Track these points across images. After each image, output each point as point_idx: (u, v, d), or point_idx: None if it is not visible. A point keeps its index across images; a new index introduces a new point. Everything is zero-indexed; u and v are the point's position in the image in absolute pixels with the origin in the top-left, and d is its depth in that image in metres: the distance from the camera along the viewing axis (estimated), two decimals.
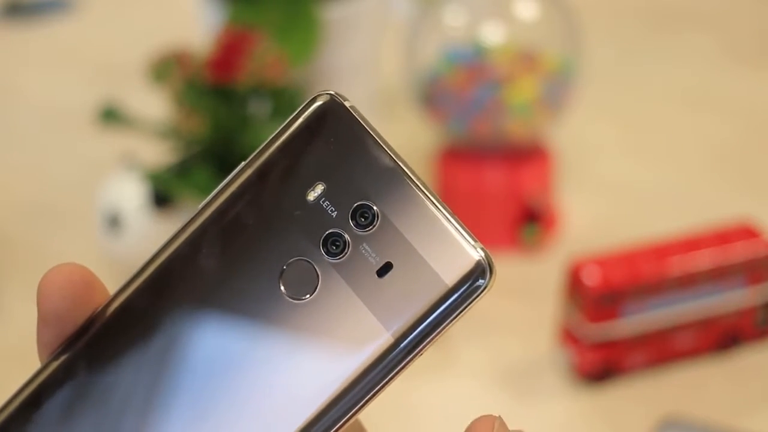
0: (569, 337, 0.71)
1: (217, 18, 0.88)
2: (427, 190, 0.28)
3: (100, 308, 0.29)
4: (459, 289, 0.28)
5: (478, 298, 0.28)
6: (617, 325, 0.70)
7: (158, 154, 0.82)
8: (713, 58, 1.09)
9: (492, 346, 0.75)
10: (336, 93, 0.29)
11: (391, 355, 0.28)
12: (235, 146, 0.76)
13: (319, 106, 0.29)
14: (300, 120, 0.29)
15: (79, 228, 0.86)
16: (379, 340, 0.28)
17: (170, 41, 0.81)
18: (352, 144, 0.29)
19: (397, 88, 0.92)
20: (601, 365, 0.71)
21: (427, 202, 0.28)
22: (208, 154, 0.77)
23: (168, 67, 0.77)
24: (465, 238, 0.28)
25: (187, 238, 0.29)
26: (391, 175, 0.29)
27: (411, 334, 0.28)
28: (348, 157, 0.29)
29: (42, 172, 0.95)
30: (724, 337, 0.73)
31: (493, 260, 0.28)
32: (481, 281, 0.28)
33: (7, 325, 0.77)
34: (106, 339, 0.29)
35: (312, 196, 0.28)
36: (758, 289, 0.72)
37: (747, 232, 0.72)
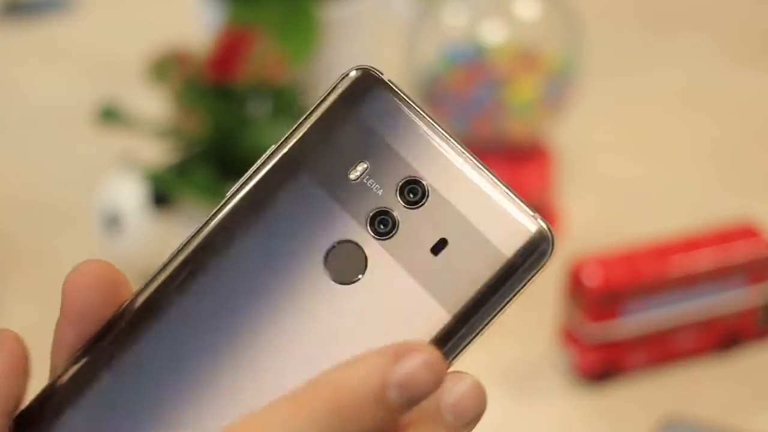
0: (570, 336, 0.71)
1: (217, 17, 0.88)
2: (477, 161, 0.27)
3: (126, 303, 0.27)
4: (521, 262, 0.26)
5: (540, 270, 0.26)
6: (618, 324, 0.69)
7: (158, 154, 0.82)
8: (713, 58, 1.09)
9: (492, 346, 0.75)
10: (371, 67, 0.28)
11: (453, 337, 0.26)
12: (235, 146, 0.76)
13: (355, 81, 0.27)
14: (335, 96, 0.27)
15: (79, 228, 0.86)
16: (439, 320, 0.26)
17: (170, 41, 0.81)
18: (392, 118, 0.27)
19: None
20: (601, 365, 0.71)
21: (479, 173, 0.27)
22: (208, 154, 0.77)
23: (168, 67, 0.77)
24: (522, 208, 0.26)
25: (217, 226, 0.27)
26: (437, 147, 0.27)
27: (473, 313, 0.26)
28: (389, 131, 0.27)
29: (41, 171, 0.95)
30: (725, 337, 0.73)
31: (552, 230, 0.26)
32: (543, 251, 0.26)
33: (6, 325, 0.77)
34: (136, 336, 0.27)
35: (354, 174, 0.27)
36: (759, 289, 0.72)
37: (748, 232, 0.72)
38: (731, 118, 1.00)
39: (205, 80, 0.76)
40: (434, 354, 0.24)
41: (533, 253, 0.26)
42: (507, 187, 0.27)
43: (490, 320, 0.26)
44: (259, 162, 0.27)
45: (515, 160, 0.83)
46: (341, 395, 0.24)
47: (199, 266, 0.27)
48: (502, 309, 0.26)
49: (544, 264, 0.26)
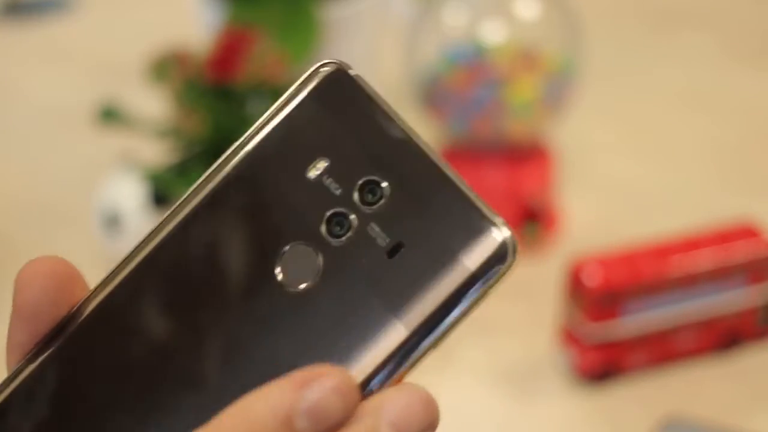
0: (570, 337, 0.71)
1: (217, 17, 0.88)
2: (442, 163, 0.25)
3: (80, 303, 0.26)
4: (481, 271, 0.25)
5: (500, 281, 0.25)
6: (618, 325, 0.69)
7: (158, 154, 0.82)
8: (713, 58, 1.09)
9: (492, 347, 0.75)
10: (340, 61, 0.26)
11: (404, 348, 0.25)
12: None
13: (322, 75, 0.26)
14: (300, 91, 0.26)
15: (79, 227, 0.86)
16: (391, 331, 0.25)
17: (170, 41, 0.81)
18: (357, 115, 0.26)
19: (397, 88, 0.92)
20: (601, 365, 0.71)
21: (443, 176, 0.25)
22: (208, 154, 0.77)
23: (168, 67, 0.77)
24: (485, 215, 0.25)
25: (175, 224, 0.26)
26: (401, 148, 0.25)
27: (426, 324, 0.25)
28: (353, 129, 0.26)
29: (41, 171, 0.95)
30: (725, 337, 0.73)
31: (516, 238, 0.25)
32: (504, 261, 0.25)
33: (6, 325, 0.77)
34: (90, 337, 0.26)
35: (313, 173, 0.26)
36: (759, 289, 0.72)
37: (748, 232, 0.72)
38: (731, 118, 1.00)
39: (205, 80, 0.76)
40: (344, 379, 0.23)
41: (496, 264, 0.25)
42: (473, 193, 0.25)
43: (445, 333, 0.25)
44: (222, 157, 0.26)
45: (515, 160, 0.83)
46: (251, 425, 0.23)
47: (153, 267, 0.26)
48: (457, 322, 0.25)
49: (505, 274, 0.25)
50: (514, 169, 0.83)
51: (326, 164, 0.26)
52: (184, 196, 0.26)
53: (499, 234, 0.25)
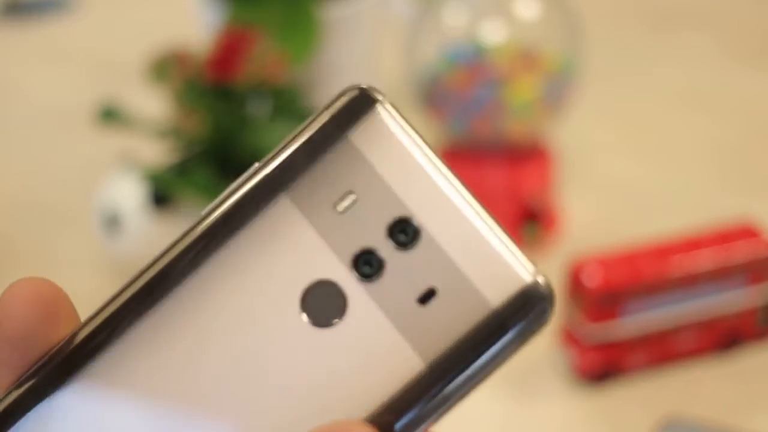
0: (569, 337, 0.71)
1: (217, 17, 0.88)
2: (479, 205, 0.24)
3: (81, 325, 0.25)
4: (514, 323, 0.23)
5: (534, 331, 0.24)
6: (618, 325, 0.69)
7: (158, 154, 0.82)
8: (714, 58, 1.09)
9: None
10: (371, 87, 0.25)
11: (431, 397, 0.23)
12: (235, 146, 0.76)
13: (351, 101, 0.25)
14: (328, 115, 0.25)
15: (79, 228, 0.86)
16: (417, 377, 0.23)
17: (170, 41, 0.81)
18: (388, 148, 0.24)
19: (396, 88, 0.92)
20: (601, 365, 0.71)
21: (478, 219, 0.24)
22: (208, 154, 0.77)
23: (168, 67, 0.77)
24: (522, 263, 0.24)
25: (185, 250, 0.24)
26: (435, 186, 0.24)
27: (456, 373, 0.23)
28: (383, 162, 0.24)
29: (41, 171, 0.95)
30: (725, 337, 0.73)
31: (552, 288, 0.24)
32: (541, 308, 0.23)
33: None
34: (89, 366, 0.24)
35: (342, 206, 0.24)
36: (759, 290, 0.72)
37: (748, 232, 0.72)
38: (731, 118, 1.00)
39: (205, 80, 0.76)
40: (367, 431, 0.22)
41: (531, 315, 0.23)
42: (509, 238, 0.24)
43: (476, 382, 0.24)
44: (240, 180, 0.25)
45: (515, 160, 0.83)
46: None
47: (162, 292, 0.24)
48: (490, 371, 0.24)
49: (542, 323, 0.24)
50: (514, 169, 0.83)
51: (355, 198, 0.24)
52: (198, 219, 0.25)
53: (529, 276, 0.24)
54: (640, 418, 0.69)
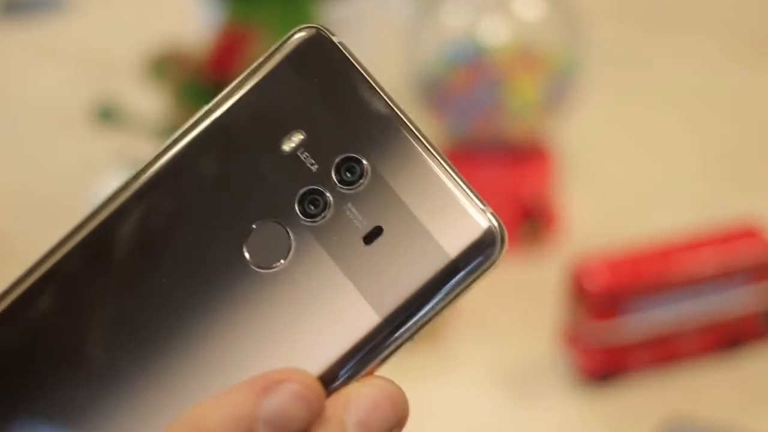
0: (571, 338, 0.71)
1: (215, 16, 0.88)
2: (429, 143, 0.24)
3: (22, 275, 0.24)
4: (463, 262, 0.23)
5: (484, 275, 0.23)
6: (620, 326, 0.69)
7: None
8: (714, 59, 1.09)
9: (492, 348, 0.74)
10: (323, 26, 0.24)
11: (377, 339, 0.23)
12: None
13: (302, 40, 0.24)
14: (278, 55, 0.24)
15: None
16: (363, 319, 0.23)
17: (168, 40, 0.80)
18: (339, 86, 0.24)
19: (397, 88, 0.91)
20: (603, 367, 0.70)
21: (429, 157, 0.24)
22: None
23: (166, 66, 0.76)
24: (473, 202, 0.23)
25: (133, 192, 0.24)
26: (385, 124, 0.23)
27: (401, 313, 0.23)
28: (334, 101, 0.24)
29: (38, 170, 0.95)
30: (728, 338, 0.72)
31: (504, 228, 0.23)
32: (489, 251, 0.23)
33: None
34: (30, 313, 0.24)
35: (288, 146, 0.24)
36: (762, 290, 0.72)
37: (750, 233, 0.72)
38: (733, 118, 1.00)
39: (204, 80, 0.76)
40: (307, 382, 0.22)
41: (480, 255, 0.23)
42: (460, 178, 0.24)
43: (423, 325, 0.23)
44: (188, 122, 0.24)
45: (515, 160, 0.83)
46: None
47: (107, 234, 0.24)
48: (437, 313, 0.23)
49: (491, 267, 0.23)
50: (515, 169, 0.82)
51: (302, 137, 0.24)
52: (146, 162, 0.24)
53: (485, 222, 0.23)
54: (643, 420, 0.68)
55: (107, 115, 0.77)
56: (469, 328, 0.75)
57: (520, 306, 0.77)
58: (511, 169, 0.82)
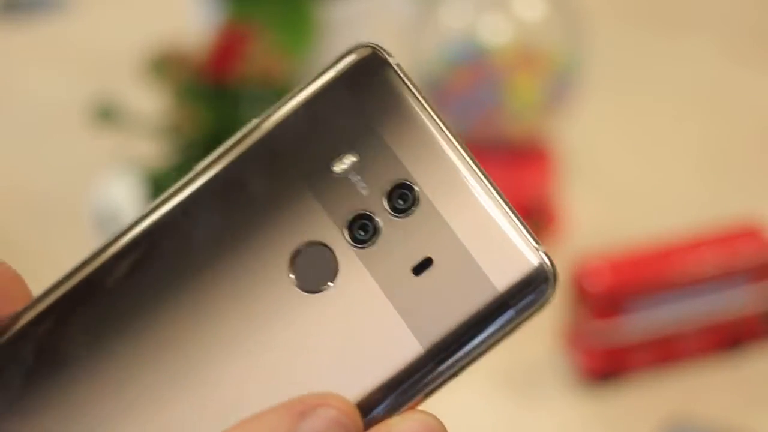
0: (572, 339, 0.71)
1: (215, 16, 0.88)
2: (483, 175, 0.23)
3: (44, 293, 0.24)
4: (512, 298, 0.22)
5: (535, 313, 0.22)
6: (621, 326, 0.69)
7: (155, 153, 0.81)
8: (715, 59, 1.09)
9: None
10: (378, 46, 0.24)
11: (419, 370, 0.22)
12: None
13: (357, 61, 0.23)
14: (332, 73, 0.23)
15: (76, 227, 0.85)
16: (406, 349, 0.22)
17: (168, 39, 0.80)
18: (393, 109, 0.23)
19: None
20: (604, 367, 0.70)
21: (482, 189, 0.23)
22: (208, 154, 0.76)
23: (166, 66, 0.76)
24: (525, 238, 0.23)
25: (174, 207, 0.23)
26: (439, 151, 0.23)
27: (447, 348, 0.22)
28: (389, 124, 0.23)
29: (37, 170, 0.95)
30: (728, 338, 0.72)
31: (556, 268, 0.22)
32: (540, 289, 0.22)
33: None
34: (71, 327, 0.23)
35: (339, 167, 0.23)
36: (763, 290, 0.72)
37: (752, 233, 0.71)
38: (734, 118, 1.00)
39: (204, 79, 0.76)
40: (346, 409, 0.22)
41: (531, 293, 0.22)
42: (513, 212, 0.23)
43: (468, 362, 0.23)
44: (236, 136, 0.24)
45: (516, 160, 0.83)
46: None
47: (150, 248, 0.23)
48: (484, 350, 0.23)
49: (542, 307, 0.22)
50: (515, 170, 0.82)
51: (355, 160, 0.23)
52: (190, 176, 0.24)
53: (537, 259, 0.22)
54: (644, 420, 0.68)
55: (106, 114, 0.76)
56: None
57: None
58: (512, 169, 0.82)
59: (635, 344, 0.70)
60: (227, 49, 0.76)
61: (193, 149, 0.77)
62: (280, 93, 0.78)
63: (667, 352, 0.71)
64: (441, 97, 0.83)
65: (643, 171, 0.93)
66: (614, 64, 1.06)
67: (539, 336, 0.74)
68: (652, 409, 0.69)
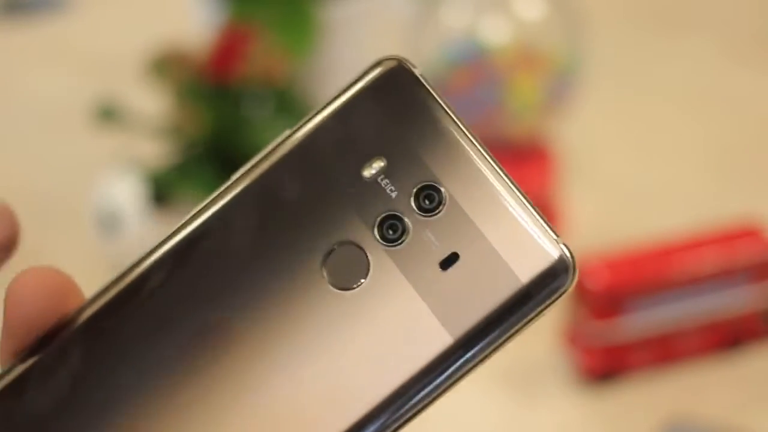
0: (572, 338, 0.71)
1: (216, 16, 0.88)
2: (504, 174, 0.25)
3: (99, 291, 0.25)
4: (536, 289, 0.24)
5: (557, 301, 0.24)
6: (621, 325, 0.69)
7: (158, 154, 0.81)
8: (715, 59, 1.09)
9: None
10: (403, 58, 0.25)
11: (450, 360, 0.24)
12: (235, 146, 0.76)
13: (384, 71, 0.25)
14: (360, 85, 0.25)
15: (77, 228, 0.85)
16: (437, 341, 0.24)
17: (169, 39, 0.80)
18: (419, 116, 0.25)
19: None
20: (604, 366, 0.70)
21: (504, 188, 0.24)
22: (209, 153, 0.76)
23: (167, 66, 0.76)
24: (546, 231, 0.24)
25: (213, 214, 0.25)
26: (463, 154, 0.24)
27: (475, 337, 0.24)
28: (414, 130, 0.25)
29: (38, 170, 0.95)
30: (728, 337, 0.73)
31: (575, 259, 0.24)
32: (562, 281, 0.24)
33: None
34: (112, 322, 0.24)
35: (368, 172, 0.25)
36: (763, 290, 0.72)
37: (751, 232, 0.72)
38: (733, 117, 1.00)
39: (205, 79, 0.76)
40: None
41: (552, 283, 0.24)
42: (533, 207, 0.24)
43: (494, 349, 0.24)
44: (270, 146, 0.25)
45: (516, 160, 0.83)
46: None
47: (182, 259, 0.25)
48: (508, 338, 0.24)
49: (562, 295, 0.24)
50: (515, 170, 0.82)
51: (383, 164, 0.25)
52: (226, 184, 0.25)
53: (557, 251, 0.24)
54: (643, 419, 0.68)
55: (108, 114, 0.77)
56: None
57: None
58: (512, 169, 0.82)
59: (635, 343, 0.70)
60: (228, 49, 0.76)
61: (195, 149, 0.77)
62: (281, 93, 0.79)
63: (666, 351, 0.71)
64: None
65: (643, 171, 0.93)
66: (614, 64, 1.06)
67: (539, 335, 0.75)
68: (651, 408, 0.69)
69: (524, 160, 0.83)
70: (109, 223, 0.78)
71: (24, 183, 0.94)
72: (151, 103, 0.84)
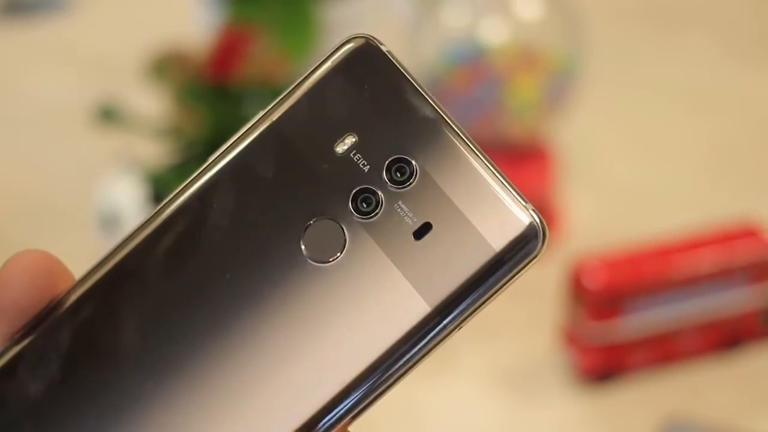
0: (571, 338, 0.71)
1: (215, 17, 0.88)
2: (473, 144, 0.25)
3: (86, 273, 0.25)
4: (508, 255, 0.25)
5: (528, 266, 0.25)
6: (619, 325, 0.69)
7: (158, 154, 0.81)
8: (715, 58, 1.09)
9: (492, 348, 0.74)
10: (371, 36, 0.26)
11: (427, 327, 0.25)
12: None
13: (353, 49, 0.26)
14: (330, 63, 0.26)
15: (77, 228, 0.85)
16: (414, 309, 0.24)
17: (169, 40, 0.80)
18: (388, 92, 0.25)
19: None
20: (602, 366, 0.70)
21: (473, 158, 0.25)
22: (208, 154, 0.76)
23: (167, 67, 0.77)
24: (515, 198, 0.25)
25: (193, 193, 0.26)
26: (431, 127, 0.25)
27: (451, 304, 0.25)
28: (383, 106, 0.25)
29: (39, 171, 0.95)
30: (727, 337, 0.73)
31: (545, 224, 0.25)
32: (533, 247, 0.25)
33: None
34: (91, 311, 0.25)
35: (341, 148, 0.25)
36: (761, 290, 0.72)
37: (750, 232, 0.72)
38: (733, 117, 1.00)
39: (205, 80, 0.76)
40: None
41: (523, 248, 0.25)
42: (502, 176, 0.25)
43: (470, 315, 0.25)
44: (244, 127, 0.26)
45: (515, 160, 0.83)
46: None
47: (165, 238, 0.25)
48: (483, 304, 0.25)
49: (534, 260, 0.25)
50: (515, 169, 0.82)
51: (355, 140, 0.25)
52: (203, 167, 0.26)
53: (527, 218, 0.25)
54: (642, 419, 0.68)
55: (108, 115, 0.77)
56: (469, 327, 0.75)
57: (519, 305, 0.77)
58: (511, 169, 0.82)
59: (634, 343, 0.70)
60: (228, 50, 0.77)
61: (195, 150, 0.77)
62: (281, 93, 0.79)
63: (665, 351, 0.71)
64: (441, 97, 0.83)
65: (642, 171, 0.93)
66: (613, 64, 1.06)
67: (538, 335, 0.75)
68: (650, 408, 0.69)
69: (523, 160, 0.83)
70: (109, 223, 0.78)
71: (24, 183, 0.94)
72: (152, 103, 0.84)
